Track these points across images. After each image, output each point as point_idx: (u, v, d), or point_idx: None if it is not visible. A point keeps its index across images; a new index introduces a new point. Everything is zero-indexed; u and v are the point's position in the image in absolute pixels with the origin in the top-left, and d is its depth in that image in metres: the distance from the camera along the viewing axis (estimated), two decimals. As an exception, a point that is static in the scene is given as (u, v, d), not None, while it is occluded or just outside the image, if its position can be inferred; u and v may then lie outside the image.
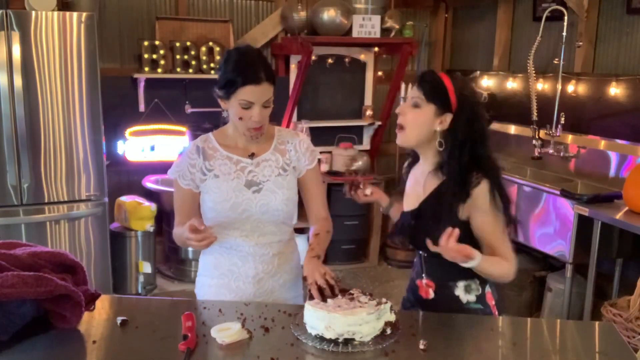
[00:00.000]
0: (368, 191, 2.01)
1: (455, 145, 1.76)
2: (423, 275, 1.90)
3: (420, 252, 1.90)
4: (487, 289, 1.88)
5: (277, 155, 1.97)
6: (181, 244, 1.93)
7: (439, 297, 1.87)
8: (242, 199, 1.89)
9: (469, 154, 1.76)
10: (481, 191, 1.74)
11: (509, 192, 1.84)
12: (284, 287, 2.02)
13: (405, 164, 2.04)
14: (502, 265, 1.76)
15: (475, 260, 1.67)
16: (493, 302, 1.89)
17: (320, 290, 1.69)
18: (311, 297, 1.66)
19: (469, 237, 1.77)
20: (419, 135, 1.81)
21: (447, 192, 1.77)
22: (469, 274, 1.79)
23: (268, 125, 1.95)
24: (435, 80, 1.79)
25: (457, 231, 1.64)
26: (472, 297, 1.85)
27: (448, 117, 1.78)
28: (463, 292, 1.85)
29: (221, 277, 1.96)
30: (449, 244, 1.62)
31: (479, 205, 1.75)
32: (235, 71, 1.81)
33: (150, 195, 4.34)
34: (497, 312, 1.89)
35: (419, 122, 1.79)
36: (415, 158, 1.97)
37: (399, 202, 2.05)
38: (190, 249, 4.40)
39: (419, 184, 1.89)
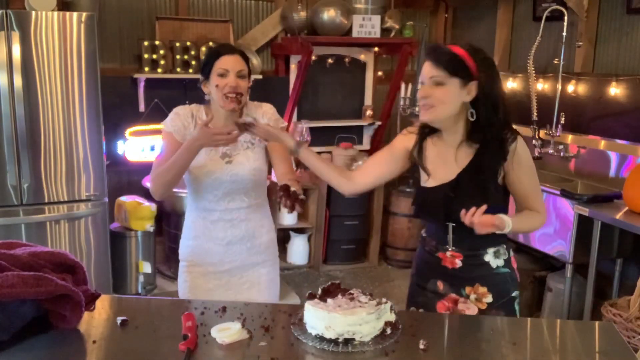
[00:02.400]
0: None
1: (489, 109, 1.78)
2: (448, 247, 1.91)
3: (448, 223, 1.89)
4: (512, 253, 1.96)
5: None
6: (175, 167, 2.05)
7: (467, 265, 1.90)
8: (216, 168, 2.15)
9: (503, 114, 1.80)
10: (519, 145, 1.82)
11: None
12: (251, 250, 2.25)
13: (414, 141, 1.97)
14: (535, 219, 1.89)
15: (508, 227, 1.75)
16: (515, 266, 1.97)
17: (288, 191, 1.88)
18: (311, 297, 1.66)
19: (502, 201, 1.88)
20: (451, 111, 1.80)
21: (486, 158, 1.81)
22: (498, 240, 1.89)
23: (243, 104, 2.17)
24: (451, 54, 1.77)
25: (483, 207, 1.70)
26: (500, 262, 1.91)
27: (473, 86, 1.78)
28: (492, 257, 1.90)
29: (196, 239, 2.26)
30: (480, 219, 1.68)
31: (519, 159, 1.82)
32: (212, 51, 2.16)
33: (150, 195, 4.33)
34: (518, 275, 1.98)
35: (448, 99, 1.77)
36: (425, 133, 1.94)
37: (309, 150, 2.04)
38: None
39: (447, 157, 1.88)
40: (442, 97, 1.77)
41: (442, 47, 1.81)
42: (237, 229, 2.22)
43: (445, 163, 1.89)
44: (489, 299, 1.90)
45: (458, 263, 1.91)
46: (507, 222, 1.75)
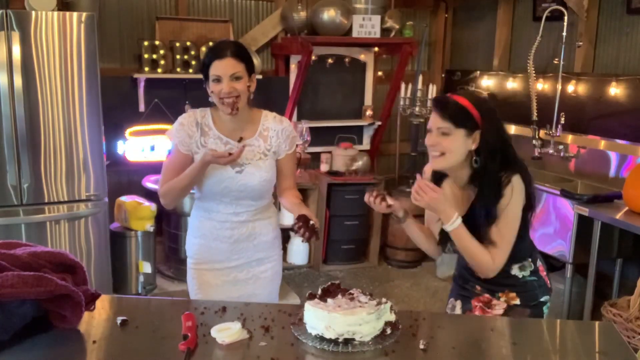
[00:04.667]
0: (390, 201, 2.05)
1: (487, 156, 1.90)
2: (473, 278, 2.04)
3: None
4: (539, 263, 2.05)
5: (260, 140, 2.20)
6: (182, 186, 2.13)
7: (497, 277, 1.97)
8: (225, 177, 2.14)
9: (500, 159, 1.90)
10: (510, 188, 1.89)
11: (534, 189, 1.99)
12: (257, 247, 2.27)
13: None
14: (483, 255, 1.91)
15: (454, 220, 1.87)
16: (545, 272, 2.07)
17: (306, 222, 1.96)
18: (311, 297, 1.66)
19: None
20: (458, 159, 1.92)
21: (483, 203, 1.91)
22: (521, 256, 1.98)
23: (255, 110, 2.22)
24: (457, 106, 1.90)
25: (425, 181, 1.91)
26: (527, 273, 2.01)
27: (477, 134, 1.90)
28: (518, 271, 2.00)
29: (203, 237, 2.26)
30: (420, 183, 1.87)
31: (505, 199, 1.89)
32: (207, 53, 2.13)
33: (150, 195, 4.33)
34: (548, 281, 2.07)
35: (455, 147, 1.90)
36: (438, 176, 2.06)
37: (412, 216, 2.13)
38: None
39: (457, 199, 2.00)
40: (449, 146, 1.90)
41: (448, 99, 1.92)
42: (244, 227, 2.23)
43: (459, 204, 2.00)
44: (517, 301, 2.00)
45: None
46: (453, 216, 1.88)
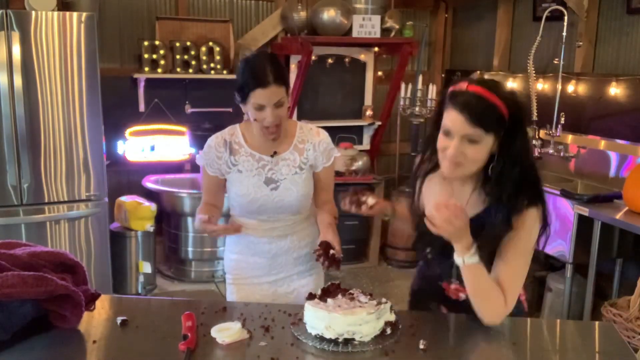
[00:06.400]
0: (371, 201, 1.90)
1: (507, 165, 1.56)
2: (453, 280, 1.75)
3: (452, 259, 1.63)
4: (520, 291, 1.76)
5: (295, 154, 2.09)
6: (201, 230, 2.08)
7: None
8: (260, 195, 2.05)
9: (520, 172, 1.56)
10: (526, 220, 1.58)
11: (549, 218, 1.66)
12: (297, 260, 2.18)
13: (420, 172, 1.82)
14: (497, 296, 1.57)
15: (472, 253, 1.53)
16: (523, 298, 1.83)
17: (327, 250, 1.88)
18: (311, 297, 1.66)
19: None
20: (479, 167, 1.60)
21: (494, 223, 1.59)
22: None
23: (289, 122, 2.12)
24: (488, 107, 1.52)
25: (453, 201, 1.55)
26: None
27: (500, 136, 1.57)
28: None
29: (240, 253, 2.17)
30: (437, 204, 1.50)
31: (517, 231, 1.58)
32: (245, 77, 1.94)
33: (150, 195, 4.34)
34: (526, 306, 1.84)
35: (480, 157, 1.57)
36: (434, 167, 1.76)
37: (403, 208, 1.98)
38: (190, 249, 4.41)
39: (456, 199, 1.66)
40: (475, 157, 1.55)
41: (478, 98, 1.52)
42: (283, 241, 2.14)
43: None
44: None
45: (462, 297, 1.73)
46: (472, 247, 1.53)
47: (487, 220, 1.61)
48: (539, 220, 1.61)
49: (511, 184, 1.56)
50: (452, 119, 1.54)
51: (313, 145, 2.11)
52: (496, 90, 1.55)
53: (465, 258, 1.55)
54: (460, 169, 1.59)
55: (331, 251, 1.90)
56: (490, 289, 1.58)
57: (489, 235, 1.59)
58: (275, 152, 2.07)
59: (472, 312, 1.65)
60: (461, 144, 1.54)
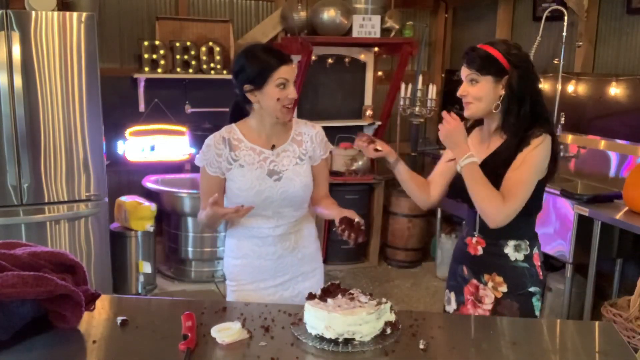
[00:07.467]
0: (380, 147, 2.05)
1: (512, 100, 1.89)
2: (475, 232, 2.01)
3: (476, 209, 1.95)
4: (535, 250, 1.99)
5: (294, 145, 2.14)
6: (209, 224, 2.09)
7: (487, 254, 1.98)
8: (264, 187, 2.06)
9: (529, 108, 1.89)
10: (539, 142, 1.86)
11: (559, 159, 1.97)
12: (302, 260, 2.19)
13: (467, 125, 2.12)
14: (494, 196, 1.84)
15: (468, 155, 1.85)
16: (539, 263, 2.00)
17: (350, 223, 1.90)
18: (311, 297, 1.66)
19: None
20: (487, 106, 1.93)
21: (506, 148, 1.90)
22: (521, 234, 1.94)
23: None
24: (482, 55, 1.91)
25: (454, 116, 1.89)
26: (520, 256, 1.95)
27: (505, 80, 1.90)
28: (513, 250, 1.95)
29: (244, 257, 2.14)
30: (447, 118, 1.87)
31: (530, 148, 1.86)
32: (267, 58, 1.99)
33: (150, 195, 4.34)
34: (541, 273, 2.00)
35: (482, 95, 1.91)
36: (471, 125, 2.10)
37: (406, 167, 2.14)
38: (190, 249, 4.41)
39: (483, 144, 2.02)
40: (476, 94, 1.92)
41: (475, 49, 1.94)
42: (287, 241, 2.14)
43: (480, 149, 2.00)
44: (504, 288, 1.96)
45: (480, 250, 2.00)
46: (467, 152, 1.86)
47: (502, 149, 1.92)
48: (548, 146, 1.88)
49: (520, 119, 1.89)
50: (461, 69, 1.97)
51: (310, 137, 2.16)
52: (495, 44, 1.92)
53: (461, 161, 1.86)
54: (471, 108, 1.95)
55: (355, 220, 1.92)
56: (485, 189, 1.86)
57: (504, 157, 1.89)
58: (274, 146, 2.11)
59: (486, 270, 1.96)
60: (466, 85, 1.94)
